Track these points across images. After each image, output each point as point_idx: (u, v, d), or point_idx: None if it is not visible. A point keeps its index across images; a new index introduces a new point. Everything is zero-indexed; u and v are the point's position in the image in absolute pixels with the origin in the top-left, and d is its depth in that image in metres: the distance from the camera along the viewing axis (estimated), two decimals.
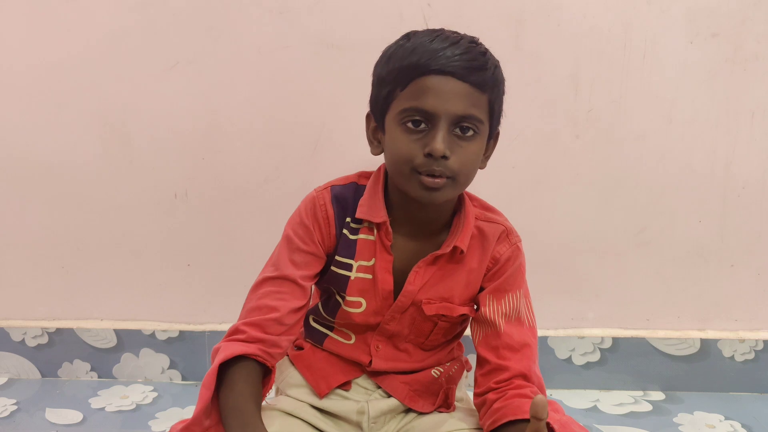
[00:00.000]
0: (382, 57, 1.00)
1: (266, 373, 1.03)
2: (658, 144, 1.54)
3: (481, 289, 1.08)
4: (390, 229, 1.05)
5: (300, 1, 1.49)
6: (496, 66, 0.97)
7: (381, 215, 1.04)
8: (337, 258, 1.08)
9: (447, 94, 0.92)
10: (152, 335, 1.68)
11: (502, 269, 1.06)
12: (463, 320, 1.11)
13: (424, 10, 1.47)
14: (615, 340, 1.64)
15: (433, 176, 0.94)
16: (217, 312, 1.67)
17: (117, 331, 1.69)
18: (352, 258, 1.07)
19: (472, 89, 0.93)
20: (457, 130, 0.94)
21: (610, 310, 1.65)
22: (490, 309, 1.05)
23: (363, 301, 1.08)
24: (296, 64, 1.52)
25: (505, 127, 1.51)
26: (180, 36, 1.52)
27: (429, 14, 1.47)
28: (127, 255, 1.66)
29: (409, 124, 0.94)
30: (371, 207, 1.05)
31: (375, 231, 1.06)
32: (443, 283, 1.06)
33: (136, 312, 1.70)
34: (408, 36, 0.98)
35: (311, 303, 1.19)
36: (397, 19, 1.48)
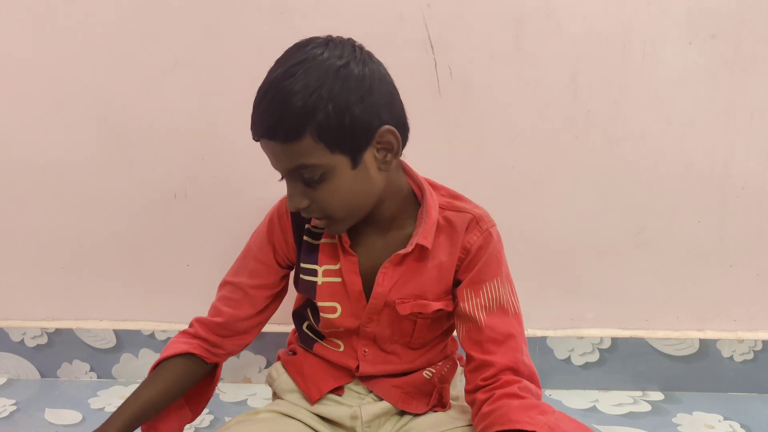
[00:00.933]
0: None
1: (213, 367, 1.16)
2: (658, 144, 1.54)
3: (458, 282, 1.05)
4: (347, 233, 1.04)
5: (300, 1, 1.49)
6: (309, 95, 0.87)
7: None
8: (302, 265, 1.08)
9: (272, 155, 0.94)
10: (152, 335, 1.68)
11: (475, 258, 1.03)
12: (448, 315, 1.09)
13: (423, 11, 1.47)
14: (614, 340, 1.64)
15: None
16: None
17: (116, 332, 1.69)
18: (315, 263, 1.07)
19: (285, 144, 0.90)
20: (304, 179, 0.93)
21: (609, 310, 1.65)
22: (469, 303, 1.02)
23: (337, 305, 1.07)
24: None
25: (504, 128, 1.53)
26: (180, 36, 1.52)
27: (428, 14, 1.47)
28: (126, 255, 1.66)
29: None
30: None
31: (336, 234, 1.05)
32: (414, 280, 1.04)
33: (135, 312, 1.70)
34: None
35: (296, 304, 1.20)
36: (397, 20, 1.48)
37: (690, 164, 1.56)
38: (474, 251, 1.03)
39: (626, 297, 1.64)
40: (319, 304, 1.07)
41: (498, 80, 1.51)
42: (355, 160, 0.92)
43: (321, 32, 1.49)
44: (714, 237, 1.60)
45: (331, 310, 1.07)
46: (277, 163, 0.94)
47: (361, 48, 0.94)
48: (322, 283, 1.07)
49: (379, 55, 0.97)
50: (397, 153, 0.96)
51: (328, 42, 0.92)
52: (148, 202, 1.62)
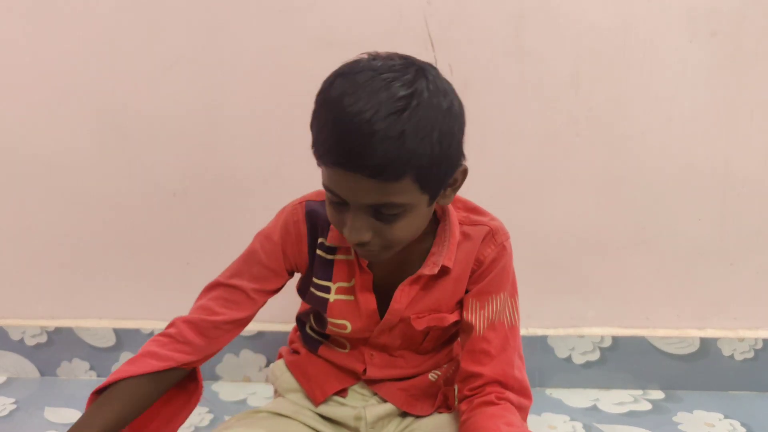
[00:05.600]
0: (317, 94, 0.88)
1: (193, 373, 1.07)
2: (658, 142, 1.54)
3: (466, 291, 1.05)
4: None
5: (300, 0, 1.48)
6: (421, 139, 0.80)
7: None
8: (315, 280, 1.06)
9: (353, 189, 0.83)
10: (151, 334, 1.67)
11: (487, 271, 1.03)
12: (456, 322, 1.09)
13: (424, 9, 1.47)
14: (615, 338, 1.64)
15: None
16: None
17: (116, 330, 1.69)
18: (329, 280, 1.05)
19: (379, 183, 0.81)
20: (378, 213, 0.86)
21: (609, 308, 1.65)
22: (472, 313, 1.03)
23: (347, 323, 1.06)
24: (296, 62, 1.52)
25: (505, 127, 1.53)
26: (179, 34, 1.52)
27: (429, 12, 1.47)
28: (126, 254, 1.65)
29: (330, 198, 0.88)
30: None
31: (352, 250, 1.03)
32: (430, 295, 1.04)
33: (135, 311, 1.70)
34: (333, 79, 0.84)
35: (301, 309, 1.19)
36: (397, 17, 1.47)
37: (691, 162, 1.55)
38: (487, 263, 1.03)
39: (627, 295, 1.64)
40: (331, 320, 1.06)
41: (499, 78, 1.50)
42: (433, 199, 0.90)
43: (320, 30, 1.50)
44: (715, 235, 1.59)
45: (342, 327, 1.07)
46: (356, 196, 0.84)
47: (436, 76, 0.86)
48: (334, 300, 1.05)
49: None
50: (456, 188, 0.95)
51: (424, 70, 0.84)
52: (148, 200, 1.61)
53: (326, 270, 1.05)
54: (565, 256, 1.61)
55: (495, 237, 1.04)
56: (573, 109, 1.53)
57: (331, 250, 1.04)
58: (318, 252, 1.05)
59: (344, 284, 1.04)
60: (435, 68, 0.86)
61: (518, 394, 1.01)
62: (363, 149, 0.78)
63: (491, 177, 1.55)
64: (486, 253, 1.03)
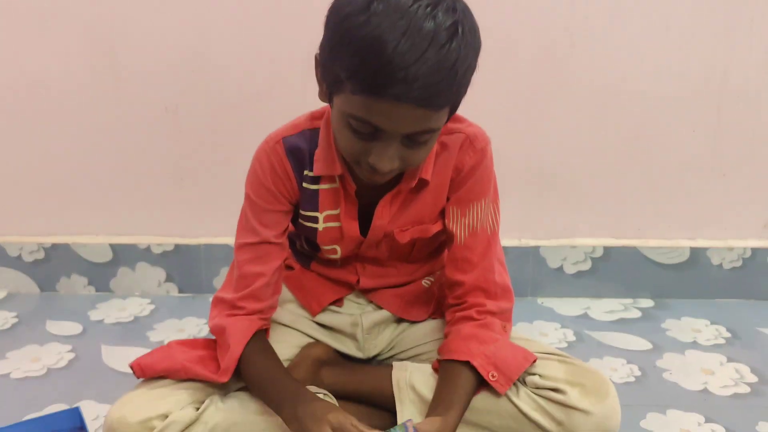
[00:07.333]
0: (336, 15, 0.82)
1: None
2: (655, 52, 1.52)
3: (447, 199, 1.05)
4: (350, 178, 1.00)
5: None
6: (467, 68, 0.81)
7: (338, 167, 0.99)
8: (302, 212, 1.06)
9: (402, 117, 0.80)
10: (147, 249, 1.70)
11: (466, 177, 1.02)
12: (441, 232, 1.09)
13: None
14: (606, 249, 1.66)
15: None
16: (212, 225, 1.68)
17: (113, 246, 1.70)
18: (316, 210, 1.05)
19: (429, 111, 0.81)
20: (409, 140, 0.84)
21: (602, 219, 1.66)
22: (453, 221, 1.03)
23: (337, 248, 1.08)
24: None
25: (500, 40, 1.50)
26: None
27: None
28: (120, 170, 1.65)
29: (355, 127, 0.84)
30: (327, 161, 1.00)
31: (337, 178, 1.01)
32: (411, 208, 1.04)
33: (131, 226, 1.70)
34: (369, 5, 0.77)
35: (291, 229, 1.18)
36: None
37: (687, 72, 1.53)
38: (466, 171, 1.02)
39: (619, 206, 1.64)
40: (322, 247, 1.08)
41: None
42: (449, 119, 0.90)
43: None
44: (708, 146, 1.59)
45: (332, 251, 1.09)
46: (397, 125, 0.81)
47: None
48: (324, 228, 1.06)
49: None
50: None
51: None
52: (139, 117, 1.60)
53: (312, 201, 1.04)
54: (558, 168, 1.61)
55: (473, 143, 1.01)
56: (568, 19, 1.49)
57: (315, 180, 1.03)
58: (304, 185, 1.04)
59: (331, 212, 1.05)
60: None
61: (499, 299, 1.03)
62: (418, 80, 0.76)
63: (485, 90, 1.52)
64: (465, 160, 1.01)
